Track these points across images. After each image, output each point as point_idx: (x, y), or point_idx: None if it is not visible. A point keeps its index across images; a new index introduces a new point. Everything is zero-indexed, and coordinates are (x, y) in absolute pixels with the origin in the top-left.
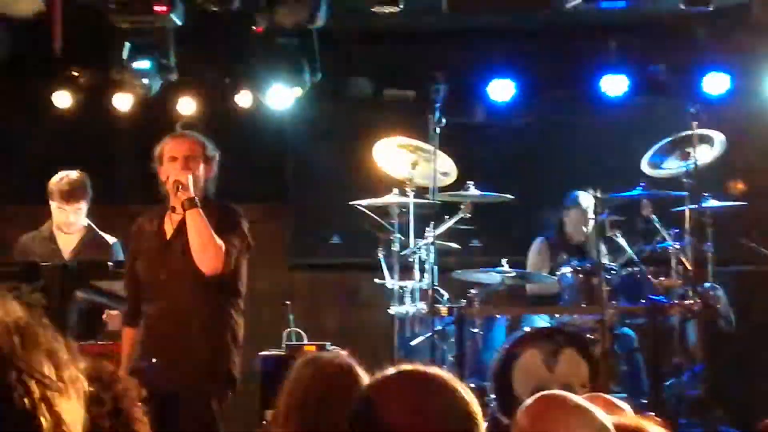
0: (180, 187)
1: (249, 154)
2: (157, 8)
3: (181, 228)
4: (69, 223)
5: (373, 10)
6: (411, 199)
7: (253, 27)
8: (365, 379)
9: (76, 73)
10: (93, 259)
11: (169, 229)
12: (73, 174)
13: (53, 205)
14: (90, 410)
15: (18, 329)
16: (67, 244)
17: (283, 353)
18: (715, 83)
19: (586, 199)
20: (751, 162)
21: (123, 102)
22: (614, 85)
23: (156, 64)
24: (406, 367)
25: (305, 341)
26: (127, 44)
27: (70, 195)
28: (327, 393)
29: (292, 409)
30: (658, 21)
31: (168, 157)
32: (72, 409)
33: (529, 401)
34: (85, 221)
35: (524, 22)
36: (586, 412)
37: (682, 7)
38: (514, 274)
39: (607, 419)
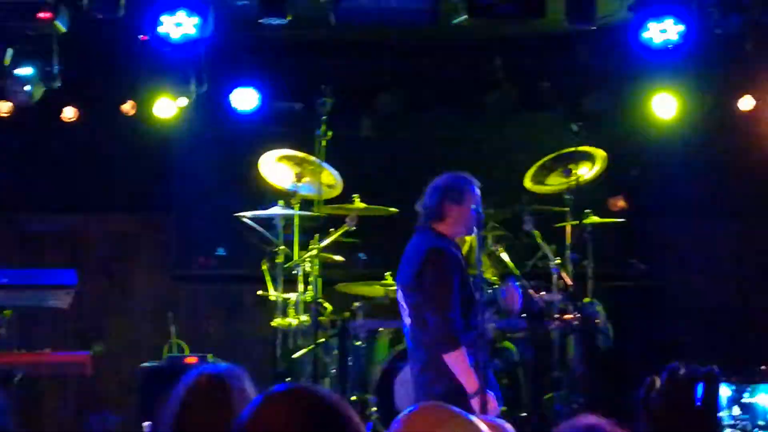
0: None
1: (132, 164)
2: (41, 15)
3: None
4: None
5: (260, 21)
6: (296, 212)
7: (140, 36)
8: (245, 391)
9: None
10: None
11: None
12: None
13: None
14: None
15: None
16: None
17: (163, 365)
18: (599, 100)
19: None
20: (631, 179)
21: (3, 108)
22: (499, 100)
23: (39, 71)
24: (294, 385)
25: (187, 353)
26: (10, 50)
27: None
28: (196, 406)
29: (167, 423)
30: (543, 38)
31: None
32: None
33: (408, 410)
34: None
35: (411, 36)
36: (468, 422)
37: (567, 24)
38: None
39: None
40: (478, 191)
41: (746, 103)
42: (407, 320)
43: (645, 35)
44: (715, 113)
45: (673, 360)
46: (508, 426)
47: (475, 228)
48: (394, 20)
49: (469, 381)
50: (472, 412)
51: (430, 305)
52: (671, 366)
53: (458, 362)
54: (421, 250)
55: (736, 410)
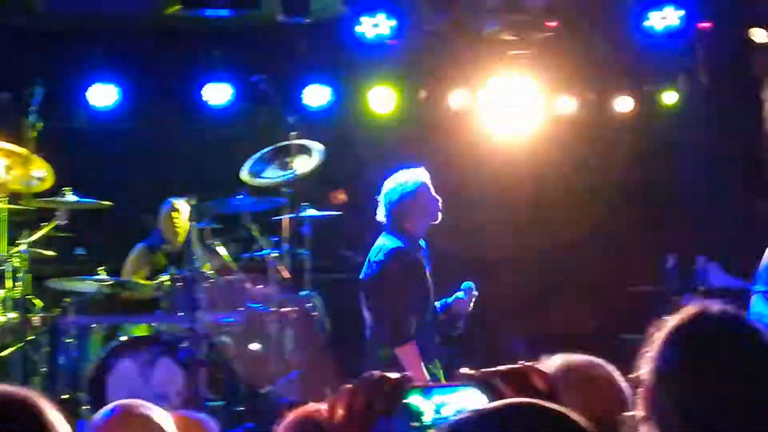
0: None
1: None
2: None
3: None
4: None
5: None
6: (3, 205)
7: None
8: None
9: None
10: None
11: None
12: None
13: None
14: None
15: None
16: None
17: None
18: (316, 94)
19: (180, 205)
20: (349, 173)
21: None
22: (217, 93)
23: None
24: None
25: None
26: None
27: None
28: None
29: None
30: (262, 30)
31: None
32: None
33: (107, 407)
34: None
35: (126, 25)
36: (152, 422)
37: (281, 18)
38: (111, 282)
39: None
40: (427, 179)
41: (458, 99)
42: (366, 315)
43: (358, 29)
44: (430, 108)
45: None
46: (210, 422)
47: (439, 213)
48: (107, 9)
49: (417, 374)
50: None
51: (384, 303)
52: (364, 376)
53: (408, 356)
54: (380, 252)
55: None
